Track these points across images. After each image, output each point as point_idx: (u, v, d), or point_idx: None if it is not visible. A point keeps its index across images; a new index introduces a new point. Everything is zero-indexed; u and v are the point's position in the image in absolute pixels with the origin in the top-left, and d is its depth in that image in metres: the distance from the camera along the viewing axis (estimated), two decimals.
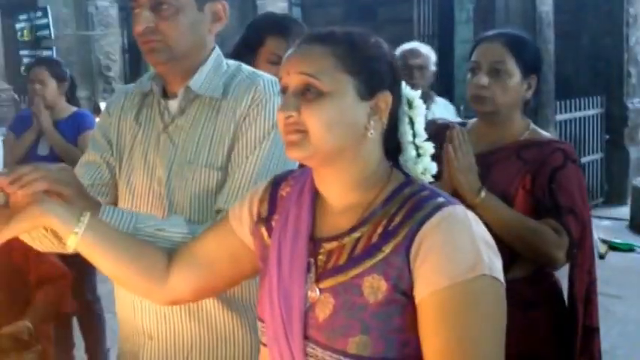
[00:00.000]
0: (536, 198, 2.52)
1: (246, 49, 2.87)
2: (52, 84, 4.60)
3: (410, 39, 13.43)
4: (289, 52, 1.47)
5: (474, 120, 2.80)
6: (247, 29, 3.01)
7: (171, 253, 1.70)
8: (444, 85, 13.30)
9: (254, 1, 14.69)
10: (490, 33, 2.76)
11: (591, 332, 2.63)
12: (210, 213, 1.90)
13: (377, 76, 1.44)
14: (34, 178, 1.52)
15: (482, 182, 2.48)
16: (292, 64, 1.44)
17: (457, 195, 2.40)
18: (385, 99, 1.44)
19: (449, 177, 2.49)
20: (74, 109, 4.74)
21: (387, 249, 1.36)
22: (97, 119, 2.17)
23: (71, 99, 4.83)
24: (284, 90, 1.45)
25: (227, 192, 1.86)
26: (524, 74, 2.59)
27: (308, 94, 1.40)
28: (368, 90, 1.42)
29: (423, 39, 13.32)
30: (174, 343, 1.96)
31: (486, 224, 2.40)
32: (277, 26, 2.90)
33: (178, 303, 1.77)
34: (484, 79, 2.56)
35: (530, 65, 2.62)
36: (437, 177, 2.55)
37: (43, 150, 4.56)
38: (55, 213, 1.51)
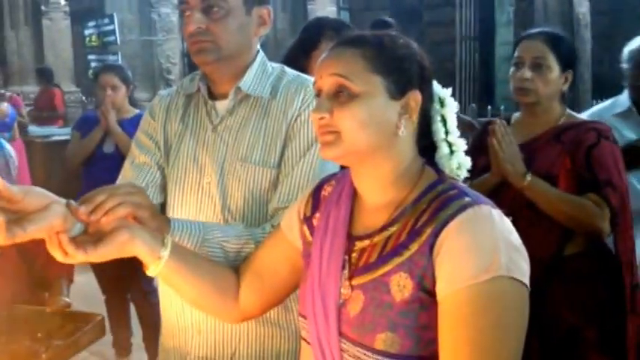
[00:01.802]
0: (576, 176, 2.61)
1: (301, 53, 2.89)
2: (122, 89, 4.69)
3: (452, 41, 13.45)
4: (322, 56, 1.46)
5: (516, 114, 2.90)
6: (302, 33, 3.03)
7: (237, 271, 1.68)
8: (484, 85, 13.30)
9: (305, 6, 14.78)
10: (532, 31, 2.86)
11: (636, 289, 2.70)
12: (263, 209, 1.90)
13: (406, 76, 1.41)
14: (115, 205, 1.47)
15: (528, 167, 2.58)
16: (325, 67, 1.42)
17: (506, 182, 2.59)
18: (415, 98, 1.40)
19: (496, 167, 2.63)
20: (137, 110, 4.81)
21: (413, 248, 1.32)
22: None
23: (131, 99, 4.93)
24: (318, 93, 1.44)
25: (284, 191, 1.85)
26: (563, 68, 2.69)
27: (341, 95, 1.38)
28: (398, 90, 1.39)
29: (464, 41, 13.33)
30: (223, 337, 1.94)
31: (535, 204, 2.55)
32: (331, 30, 2.89)
33: (247, 319, 1.73)
34: (527, 73, 2.67)
35: (568, 61, 2.73)
36: (484, 170, 2.67)
37: (108, 148, 4.65)
38: (141, 238, 1.47)
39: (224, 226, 1.81)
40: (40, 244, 2.63)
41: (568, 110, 2.78)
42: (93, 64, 12.95)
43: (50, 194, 1.40)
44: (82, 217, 1.41)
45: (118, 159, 4.27)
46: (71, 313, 2.27)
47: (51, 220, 1.35)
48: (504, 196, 2.56)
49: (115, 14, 12.43)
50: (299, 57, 2.80)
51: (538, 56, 2.68)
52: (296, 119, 1.88)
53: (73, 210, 1.39)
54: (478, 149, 2.78)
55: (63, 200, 1.40)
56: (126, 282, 4.56)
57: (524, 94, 2.71)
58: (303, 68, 2.57)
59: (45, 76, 11.44)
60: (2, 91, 8.48)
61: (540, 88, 2.67)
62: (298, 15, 14.46)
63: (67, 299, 2.34)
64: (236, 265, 1.70)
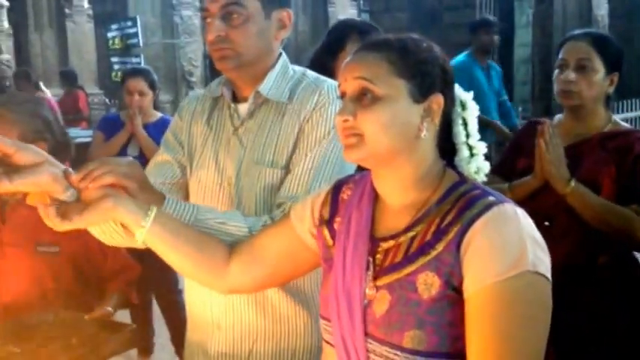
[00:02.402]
0: (621, 185, 2.52)
1: (327, 54, 2.85)
2: (149, 94, 4.68)
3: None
4: (347, 60, 1.48)
5: (559, 116, 2.81)
6: (328, 35, 3.00)
7: (232, 245, 1.72)
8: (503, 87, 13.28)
9: (325, 8, 14.81)
10: (577, 32, 2.75)
11: None
12: (273, 209, 1.91)
13: (429, 80, 1.41)
14: (102, 173, 1.52)
15: (571, 173, 2.50)
16: (349, 70, 1.44)
17: (549, 186, 2.51)
18: (437, 101, 1.41)
19: (540, 169, 2.53)
20: (160, 114, 4.82)
21: (440, 247, 1.34)
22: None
23: (154, 102, 4.90)
24: (342, 95, 1.45)
25: (287, 186, 1.86)
26: (608, 70, 2.59)
27: (364, 99, 1.39)
28: (420, 93, 1.40)
29: None
30: (241, 334, 1.95)
31: (576, 211, 2.46)
32: (357, 31, 2.84)
33: (238, 293, 1.79)
34: (572, 75, 2.58)
35: (613, 62, 2.62)
36: (523, 172, 2.62)
37: (133, 151, 4.59)
38: (125, 207, 1.51)
39: (221, 212, 1.83)
40: (106, 258, 2.65)
41: (614, 118, 2.70)
42: (116, 67, 12.98)
43: (49, 157, 1.49)
44: (74, 184, 1.49)
45: (142, 162, 4.31)
46: (107, 322, 2.31)
47: (39, 176, 1.44)
48: (543, 201, 2.52)
49: (137, 17, 12.41)
50: (325, 59, 2.79)
51: (582, 57, 2.59)
52: (308, 120, 1.90)
53: (67, 176, 1.48)
54: (518, 150, 2.76)
55: (62, 166, 1.50)
56: (151, 282, 4.50)
57: (568, 96, 2.62)
58: (330, 70, 2.58)
59: (69, 78, 11.49)
60: (41, 94, 8.54)
61: (584, 90, 2.58)
62: (319, 18, 14.49)
63: (109, 309, 2.38)
64: (230, 242, 1.72)
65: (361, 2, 15.82)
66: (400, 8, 15.46)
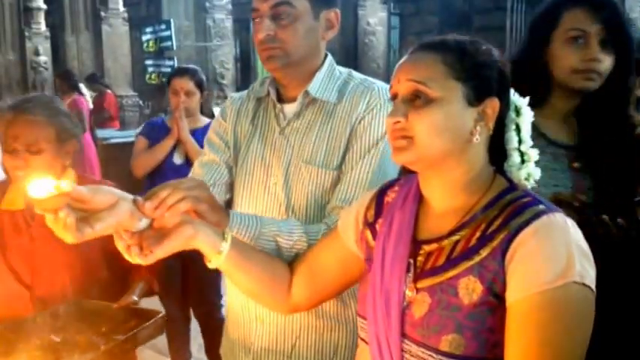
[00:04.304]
0: None
1: (536, 42, 2.15)
2: (196, 94, 4.23)
3: (503, 46, 13.35)
4: (401, 60, 1.46)
5: None
6: (538, 14, 2.21)
7: (290, 264, 1.70)
8: None
9: (355, 12, 14.78)
10: None
11: None
12: (324, 210, 1.90)
13: (486, 83, 1.38)
14: (177, 200, 1.49)
15: None
16: (403, 71, 1.41)
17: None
18: (493, 105, 1.38)
19: None
20: (207, 120, 4.28)
21: (484, 252, 1.31)
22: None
23: (203, 108, 4.40)
24: (394, 97, 1.42)
25: (342, 191, 1.86)
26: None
27: (417, 100, 1.36)
28: (476, 96, 1.37)
29: (514, 46, 13.24)
30: (284, 328, 1.97)
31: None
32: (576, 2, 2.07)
33: (296, 311, 1.77)
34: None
35: None
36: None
37: (178, 159, 4.16)
38: (204, 233, 1.50)
39: (280, 221, 1.83)
40: None
41: None
42: (150, 69, 13.13)
43: (117, 191, 1.45)
44: (148, 213, 1.46)
45: (188, 171, 3.93)
46: (135, 310, 2.32)
47: (118, 217, 1.41)
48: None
49: (171, 20, 12.52)
50: (534, 49, 2.17)
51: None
52: (360, 122, 1.89)
53: (140, 206, 1.46)
54: None
55: (130, 196, 1.46)
56: (192, 297, 4.29)
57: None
58: (542, 58, 2.15)
59: (94, 81, 11.36)
60: (77, 95, 8.64)
61: None
62: (348, 20, 14.46)
63: (135, 298, 2.38)
64: (289, 260, 1.73)
65: (391, 5, 15.79)
66: (430, 11, 15.39)
